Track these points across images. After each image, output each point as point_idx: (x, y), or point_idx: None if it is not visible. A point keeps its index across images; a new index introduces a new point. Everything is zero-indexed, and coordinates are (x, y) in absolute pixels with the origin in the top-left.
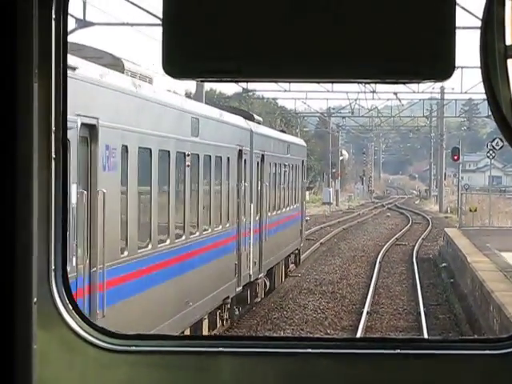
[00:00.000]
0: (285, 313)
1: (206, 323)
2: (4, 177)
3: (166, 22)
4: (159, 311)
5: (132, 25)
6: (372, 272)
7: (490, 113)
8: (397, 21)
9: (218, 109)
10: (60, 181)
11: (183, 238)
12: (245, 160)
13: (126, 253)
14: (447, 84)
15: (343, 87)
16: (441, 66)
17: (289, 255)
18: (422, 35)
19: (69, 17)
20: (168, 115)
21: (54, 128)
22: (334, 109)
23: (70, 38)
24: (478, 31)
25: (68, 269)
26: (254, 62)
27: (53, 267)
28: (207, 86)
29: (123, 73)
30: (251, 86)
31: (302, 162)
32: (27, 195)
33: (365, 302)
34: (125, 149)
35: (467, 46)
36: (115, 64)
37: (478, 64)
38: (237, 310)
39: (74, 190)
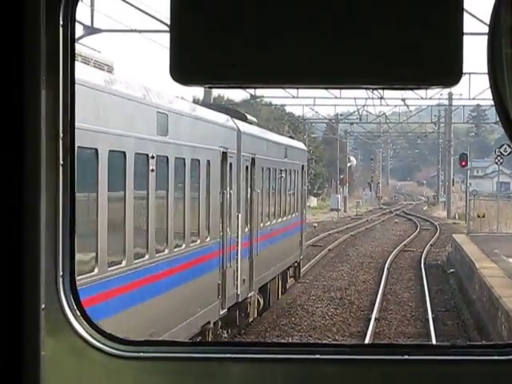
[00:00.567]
0: (293, 319)
1: None
2: (12, 183)
3: (173, 29)
4: None
5: (140, 31)
6: (380, 278)
7: (497, 119)
8: (405, 27)
9: (192, 103)
10: (68, 187)
11: (146, 257)
12: (230, 164)
13: None
14: (455, 90)
15: (351, 93)
16: (448, 72)
17: (287, 269)
18: (429, 41)
19: (76, 23)
20: (125, 109)
21: (61, 135)
22: (341, 115)
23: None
24: (486, 37)
25: None
26: (262, 68)
27: (61, 273)
28: (215, 92)
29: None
30: (259, 92)
31: (302, 166)
32: (35, 201)
33: (373, 308)
34: None
35: (475, 52)
36: None
37: (486, 70)
38: (225, 333)
39: None
